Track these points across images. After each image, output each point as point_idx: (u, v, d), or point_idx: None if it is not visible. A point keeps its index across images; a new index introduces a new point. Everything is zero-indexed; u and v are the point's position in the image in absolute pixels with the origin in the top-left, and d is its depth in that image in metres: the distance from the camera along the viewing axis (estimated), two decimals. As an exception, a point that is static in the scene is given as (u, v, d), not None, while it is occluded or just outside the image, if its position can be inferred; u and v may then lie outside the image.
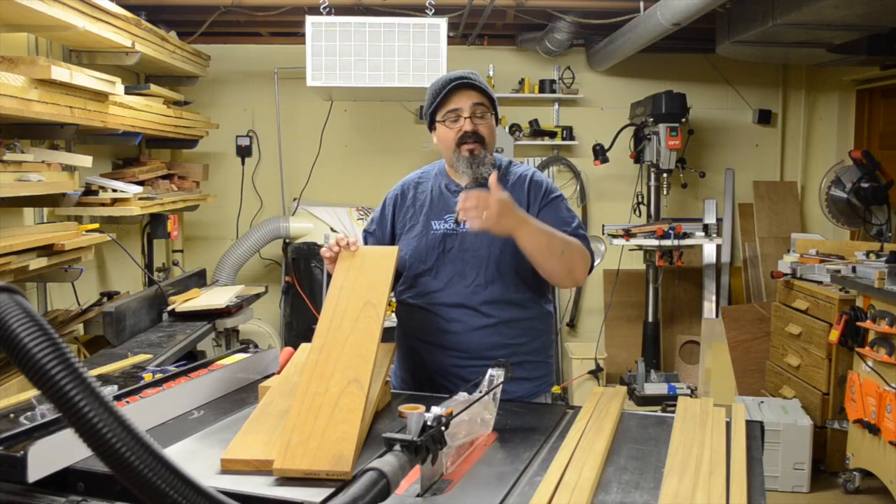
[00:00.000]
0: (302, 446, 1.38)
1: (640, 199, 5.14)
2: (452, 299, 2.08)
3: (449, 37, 4.23)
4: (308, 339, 1.74)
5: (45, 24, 2.81)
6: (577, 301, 5.52)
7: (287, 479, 1.33)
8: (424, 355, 2.13)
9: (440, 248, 2.10)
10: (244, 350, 2.12)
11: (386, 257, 1.91)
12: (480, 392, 1.58)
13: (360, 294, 1.77)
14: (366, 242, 2.28)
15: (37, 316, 0.79)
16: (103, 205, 3.43)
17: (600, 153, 4.95)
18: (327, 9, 4.17)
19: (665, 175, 4.88)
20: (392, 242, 2.21)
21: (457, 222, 2.06)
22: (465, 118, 2.05)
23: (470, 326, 2.07)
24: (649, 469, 1.43)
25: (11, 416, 1.58)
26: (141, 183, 3.85)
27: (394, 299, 2.24)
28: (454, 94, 2.06)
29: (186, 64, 4.42)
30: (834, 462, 3.91)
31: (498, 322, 2.07)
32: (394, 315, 2.27)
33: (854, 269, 3.70)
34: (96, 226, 3.21)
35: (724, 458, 1.45)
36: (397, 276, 2.16)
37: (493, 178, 1.88)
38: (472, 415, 1.49)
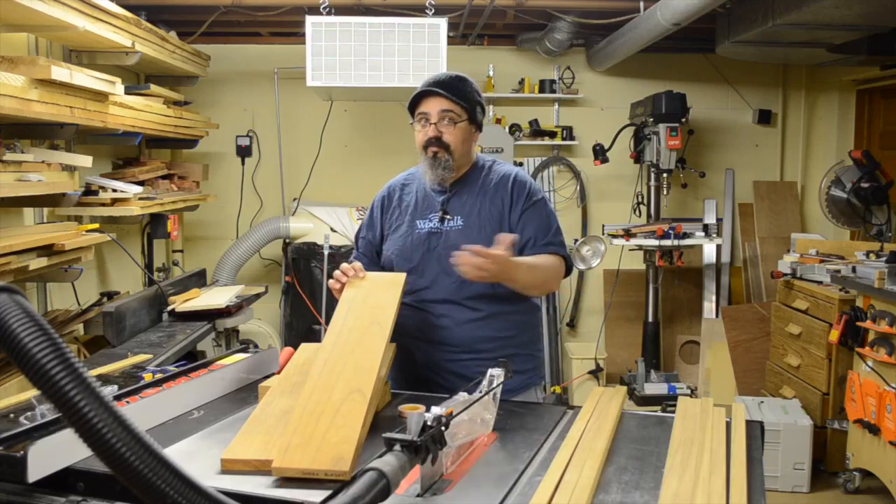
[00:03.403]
0: (302, 448, 1.38)
1: (640, 199, 5.14)
2: (439, 295, 2.14)
3: (449, 37, 4.23)
4: (308, 339, 1.75)
5: (45, 24, 2.81)
6: (577, 301, 5.52)
7: (287, 480, 1.33)
8: (415, 352, 2.16)
9: (425, 247, 2.16)
10: (244, 350, 2.12)
11: (393, 283, 1.94)
12: (480, 392, 1.58)
13: (367, 315, 1.80)
14: (357, 246, 2.35)
15: (37, 316, 0.79)
16: (103, 205, 3.42)
17: (600, 153, 4.95)
18: (327, 9, 4.17)
19: (665, 175, 4.88)
20: (381, 244, 2.27)
21: (441, 221, 2.15)
22: (432, 124, 2.13)
23: (459, 320, 2.12)
24: (649, 469, 1.43)
25: (11, 416, 1.58)
26: (141, 183, 3.85)
27: None
28: (424, 100, 2.15)
29: (186, 64, 4.42)
30: (834, 462, 3.90)
31: (487, 315, 2.13)
32: None
33: (854, 269, 3.70)
34: (96, 226, 3.20)
35: (724, 458, 1.45)
36: None
37: (503, 237, 1.94)
38: (472, 415, 1.49)
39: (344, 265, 2.00)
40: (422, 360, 2.15)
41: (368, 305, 1.84)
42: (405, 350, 2.16)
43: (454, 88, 2.14)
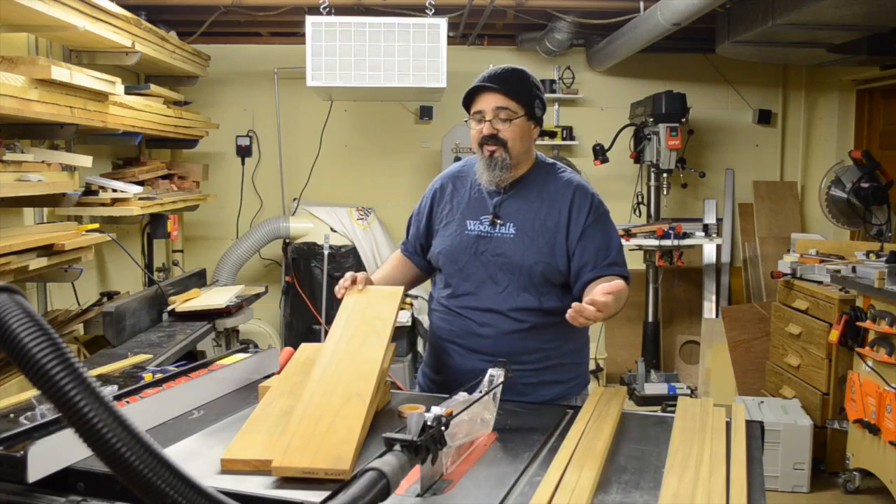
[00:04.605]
0: (302, 448, 1.38)
1: (640, 199, 5.13)
2: (483, 304, 2.06)
3: (449, 37, 4.23)
4: (308, 339, 1.76)
5: (45, 24, 2.81)
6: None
7: (286, 480, 1.33)
8: (456, 358, 2.11)
9: (472, 250, 2.07)
10: (244, 350, 2.12)
11: (392, 296, 1.95)
12: (480, 392, 1.58)
13: (366, 325, 1.81)
14: (408, 229, 2.30)
15: (37, 316, 0.79)
16: (103, 205, 3.42)
17: (600, 153, 4.95)
18: (327, 9, 4.17)
19: (665, 175, 4.88)
20: (427, 235, 2.21)
21: (493, 224, 2.07)
22: (487, 121, 2.03)
23: (501, 331, 2.04)
24: (649, 469, 1.43)
25: (11, 416, 1.58)
26: (141, 183, 3.85)
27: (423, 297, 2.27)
28: (479, 95, 2.05)
29: (186, 64, 4.42)
30: (834, 462, 3.90)
31: (531, 327, 2.04)
32: (424, 315, 2.30)
33: (854, 269, 3.70)
34: (96, 226, 3.20)
35: (724, 458, 1.45)
36: (432, 271, 2.24)
37: (604, 289, 1.79)
38: (472, 415, 1.49)
39: (348, 274, 1.99)
40: (461, 367, 2.09)
41: (367, 316, 1.85)
42: (446, 354, 2.13)
43: (509, 84, 2.03)
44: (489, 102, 2.03)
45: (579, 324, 1.77)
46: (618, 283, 1.85)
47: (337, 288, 1.99)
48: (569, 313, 1.77)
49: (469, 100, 2.07)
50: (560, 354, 2.08)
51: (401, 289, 1.99)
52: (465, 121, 2.11)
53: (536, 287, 2.04)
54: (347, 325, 1.81)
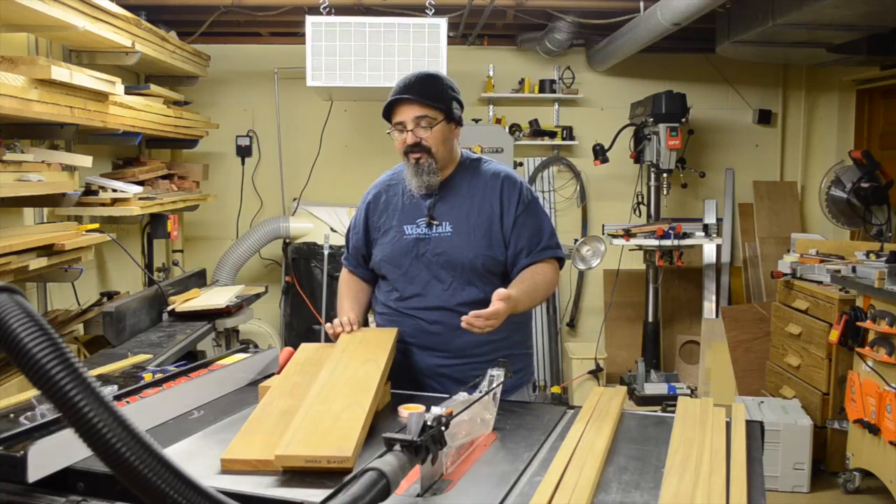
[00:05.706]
0: (304, 441, 1.39)
1: (640, 199, 5.13)
2: (431, 303, 2.12)
3: (449, 37, 4.23)
4: (308, 339, 1.77)
5: (45, 24, 2.81)
6: (577, 301, 5.52)
7: (286, 480, 1.33)
8: (410, 357, 2.16)
9: (413, 253, 2.14)
10: (244, 350, 2.12)
11: (386, 336, 1.99)
12: (480, 392, 1.58)
13: (362, 355, 1.83)
14: (347, 243, 2.35)
15: (37, 316, 0.79)
16: (103, 205, 3.43)
17: (600, 153, 4.95)
18: (327, 9, 4.18)
19: (665, 175, 4.88)
20: (367, 246, 2.27)
21: (429, 226, 2.13)
22: (409, 131, 2.09)
23: (451, 327, 2.09)
24: (649, 469, 1.43)
25: (11, 416, 1.58)
26: (141, 183, 3.85)
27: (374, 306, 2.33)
28: (398, 107, 2.11)
29: (186, 64, 4.42)
30: (834, 462, 3.90)
31: None
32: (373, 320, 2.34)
33: (854, 269, 3.70)
34: (96, 226, 3.21)
35: (724, 458, 1.45)
36: (377, 279, 2.28)
37: (498, 294, 1.91)
38: (472, 415, 1.50)
39: (338, 321, 2.04)
40: (416, 365, 2.15)
41: (363, 347, 1.88)
42: (400, 354, 2.16)
43: (426, 91, 2.09)
44: (408, 113, 2.09)
45: (476, 332, 1.89)
46: (506, 292, 1.93)
47: (329, 328, 2.04)
48: (462, 325, 1.87)
49: (388, 111, 2.14)
50: (509, 345, 2.14)
51: (395, 330, 2.05)
52: (388, 132, 2.16)
53: (480, 279, 2.12)
54: (344, 354, 1.84)
